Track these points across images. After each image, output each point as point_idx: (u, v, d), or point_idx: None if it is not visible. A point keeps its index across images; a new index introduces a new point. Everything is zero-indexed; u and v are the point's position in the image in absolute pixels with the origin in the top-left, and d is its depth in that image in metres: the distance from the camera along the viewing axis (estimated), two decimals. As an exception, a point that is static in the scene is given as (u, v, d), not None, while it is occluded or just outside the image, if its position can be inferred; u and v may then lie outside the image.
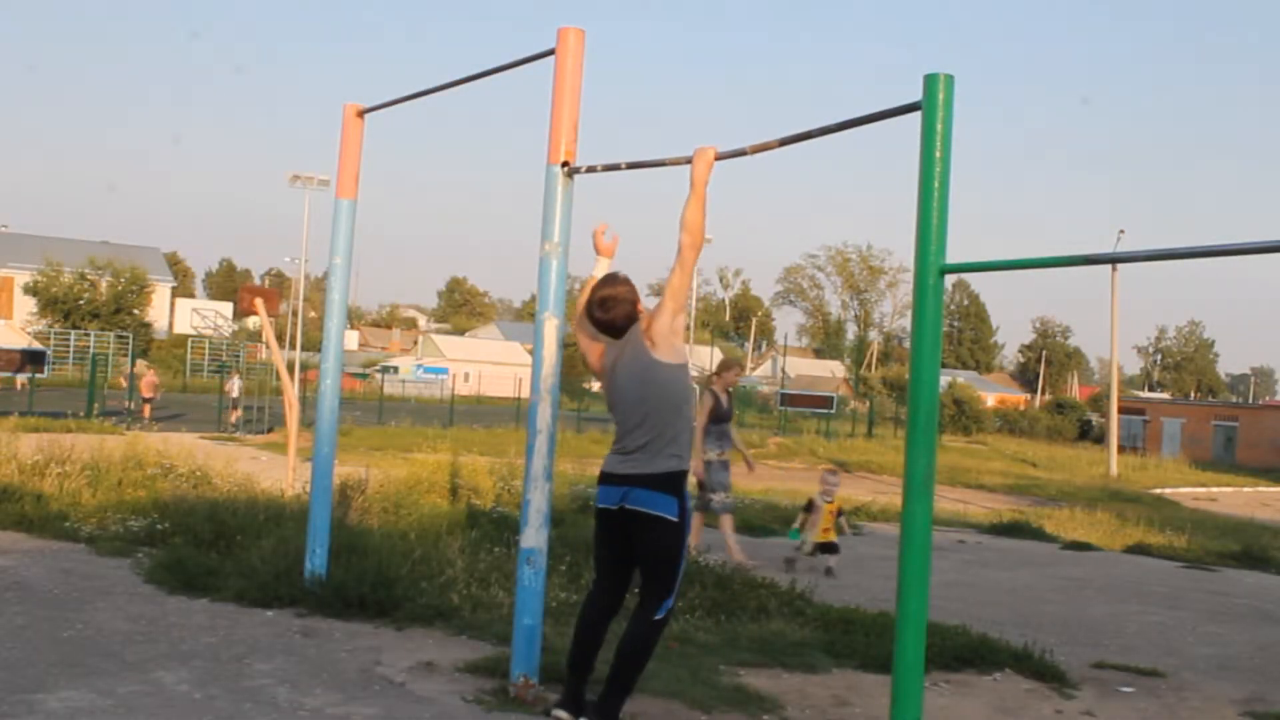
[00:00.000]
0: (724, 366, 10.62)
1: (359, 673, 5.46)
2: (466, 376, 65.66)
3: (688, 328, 48.69)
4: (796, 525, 10.47)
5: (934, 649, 6.00)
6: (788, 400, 46.99)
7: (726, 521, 10.22)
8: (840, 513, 10.42)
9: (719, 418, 10.18)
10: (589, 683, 4.68)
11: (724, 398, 10.32)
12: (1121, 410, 49.28)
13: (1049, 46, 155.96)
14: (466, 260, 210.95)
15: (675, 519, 4.35)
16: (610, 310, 4.59)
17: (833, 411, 46.19)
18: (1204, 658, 7.62)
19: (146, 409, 28.90)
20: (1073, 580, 11.10)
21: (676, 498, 4.36)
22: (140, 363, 32.48)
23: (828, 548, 10.11)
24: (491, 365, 71.06)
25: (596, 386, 71.04)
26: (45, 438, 12.43)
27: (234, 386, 30.87)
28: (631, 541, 4.44)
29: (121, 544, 8.38)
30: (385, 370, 63.07)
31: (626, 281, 4.69)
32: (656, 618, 4.43)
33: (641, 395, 4.46)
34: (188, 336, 53.22)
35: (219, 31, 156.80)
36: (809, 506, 10.41)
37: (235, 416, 29.72)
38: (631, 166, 5.15)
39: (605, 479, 4.51)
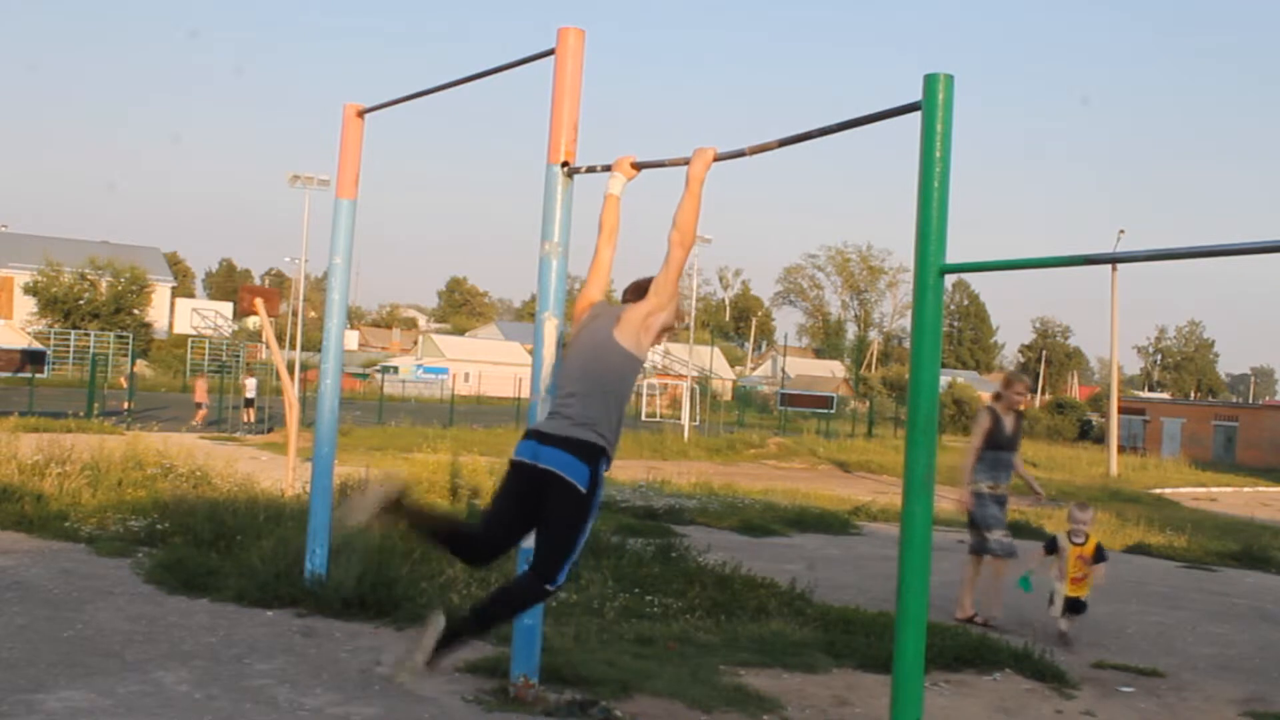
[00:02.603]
0: (1007, 383, 8.61)
1: (359, 673, 5.46)
2: (466, 376, 65.65)
3: (687, 328, 48.89)
4: (1031, 570, 8.00)
5: (934, 649, 6.01)
6: (788, 400, 47.00)
7: (998, 567, 8.38)
8: (1100, 555, 7.98)
9: (996, 443, 8.35)
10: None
11: (1007, 420, 8.43)
12: (1121, 410, 49.29)
13: (1049, 46, 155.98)
14: (466, 260, 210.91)
15: (583, 489, 4.11)
16: (643, 285, 4.49)
17: (833, 411, 46.20)
18: (1204, 658, 7.63)
19: (202, 414, 29.19)
20: (1073, 580, 11.09)
21: (589, 468, 4.13)
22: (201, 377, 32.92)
23: (1074, 605, 7.79)
24: (491, 365, 71.05)
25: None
26: (45, 438, 12.43)
27: (250, 386, 30.92)
28: (535, 501, 4.21)
29: (121, 544, 8.37)
30: (385, 370, 63.08)
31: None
32: (548, 586, 4.16)
33: (585, 369, 4.32)
34: (188, 336, 53.17)
35: (219, 31, 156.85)
36: (1051, 546, 8.04)
37: (249, 416, 29.70)
38: (632, 167, 5.15)
39: (528, 434, 4.32)
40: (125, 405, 29.11)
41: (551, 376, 5.26)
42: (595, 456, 4.16)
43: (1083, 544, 7.87)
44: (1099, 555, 7.93)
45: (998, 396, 8.57)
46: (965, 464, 8.35)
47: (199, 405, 29.69)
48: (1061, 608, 7.76)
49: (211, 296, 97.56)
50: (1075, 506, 8.27)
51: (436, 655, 4.07)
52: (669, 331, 4.55)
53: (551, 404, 4.41)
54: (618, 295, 4.88)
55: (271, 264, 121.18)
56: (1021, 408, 8.57)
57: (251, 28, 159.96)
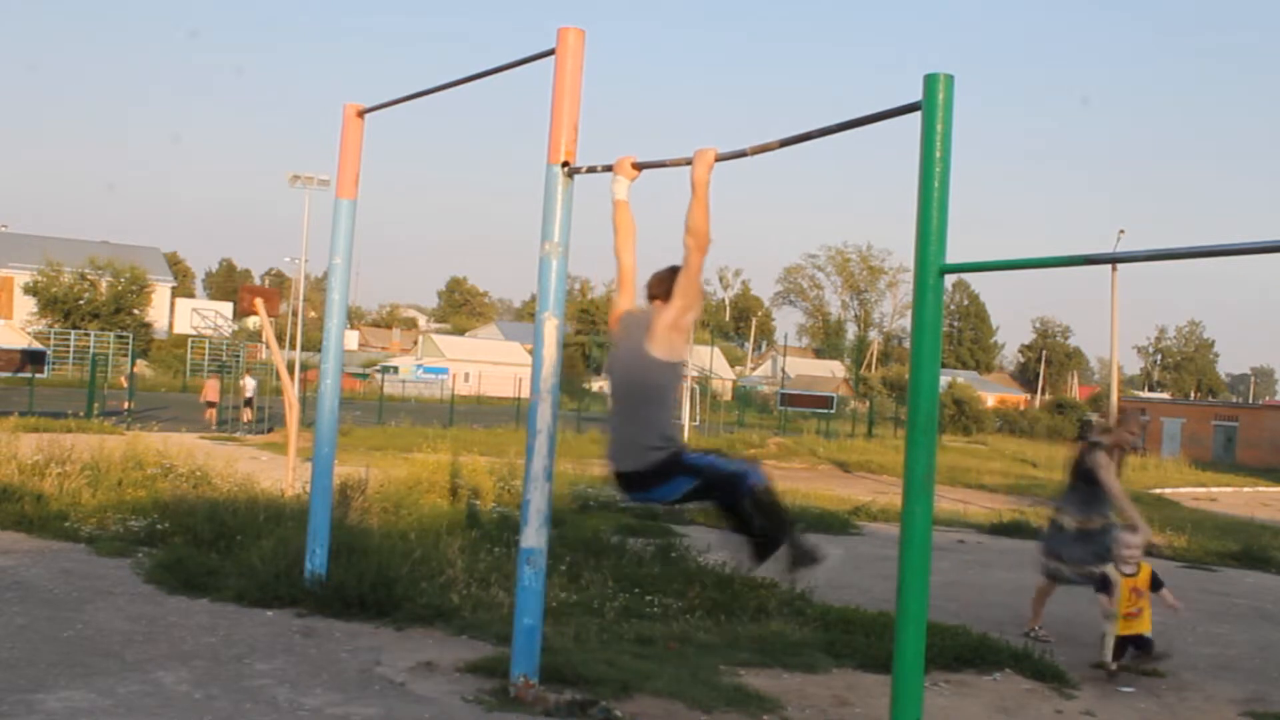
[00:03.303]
0: (1122, 419, 7.96)
1: (359, 673, 5.46)
2: (466, 376, 65.62)
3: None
4: (1107, 608, 6.93)
5: (934, 649, 6.01)
6: (788, 400, 46.99)
7: (1046, 589, 7.96)
8: (1157, 583, 7.01)
9: (1093, 478, 7.72)
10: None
11: (1114, 456, 7.71)
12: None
13: (1049, 46, 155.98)
14: (466, 260, 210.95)
15: (696, 481, 4.55)
16: (664, 277, 4.66)
17: (833, 411, 46.19)
18: (1204, 658, 7.63)
19: (213, 414, 29.28)
20: (1073, 580, 11.10)
21: (680, 476, 4.54)
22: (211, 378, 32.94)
23: (1138, 642, 6.83)
24: (491, 365, 71.03)
25: (597, 387, 71.05)
26: (45, 438, 12.43)
27: (249, 386, 30.97)
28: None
29: (121, 544, 8.37)
30: (385, 370, 63.05)
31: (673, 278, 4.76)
32: (753, 484, 4.67)
33: (630, 389, 4.61)
34: (188, 336, 53.12)
35: (219, 31, 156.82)
36: (1103, 585, 6.92)
37: (248, 416, 29.73)
38: (633, 167, 5.15)
39: (616, 479, 4.69)
40: (125, 405, 29.09)
41: (553, 376, 5.27)
42: (672, 466, 4.53)
43: (1134, 574, 6.85)
44: (1156, 583, 6.96)
45: (1106, 430, 7.86)
46: (1125, 506, 7.43)
47: (210, 404, 29.66)
48: (1112, 651, 6.77)
49: (211, 296, 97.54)
50: (1125, 531, 7.08)
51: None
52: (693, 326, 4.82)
53: (610, 426, 4.72)
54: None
55: (271, 264, 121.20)
56: (1131, 446, 7.70)
57: (251, 28, 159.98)
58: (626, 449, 4.53)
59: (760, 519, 4.83)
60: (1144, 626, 6.84)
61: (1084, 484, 7.76)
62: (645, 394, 4.54)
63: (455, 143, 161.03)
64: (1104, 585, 6.90)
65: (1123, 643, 6.79)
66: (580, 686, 5.37)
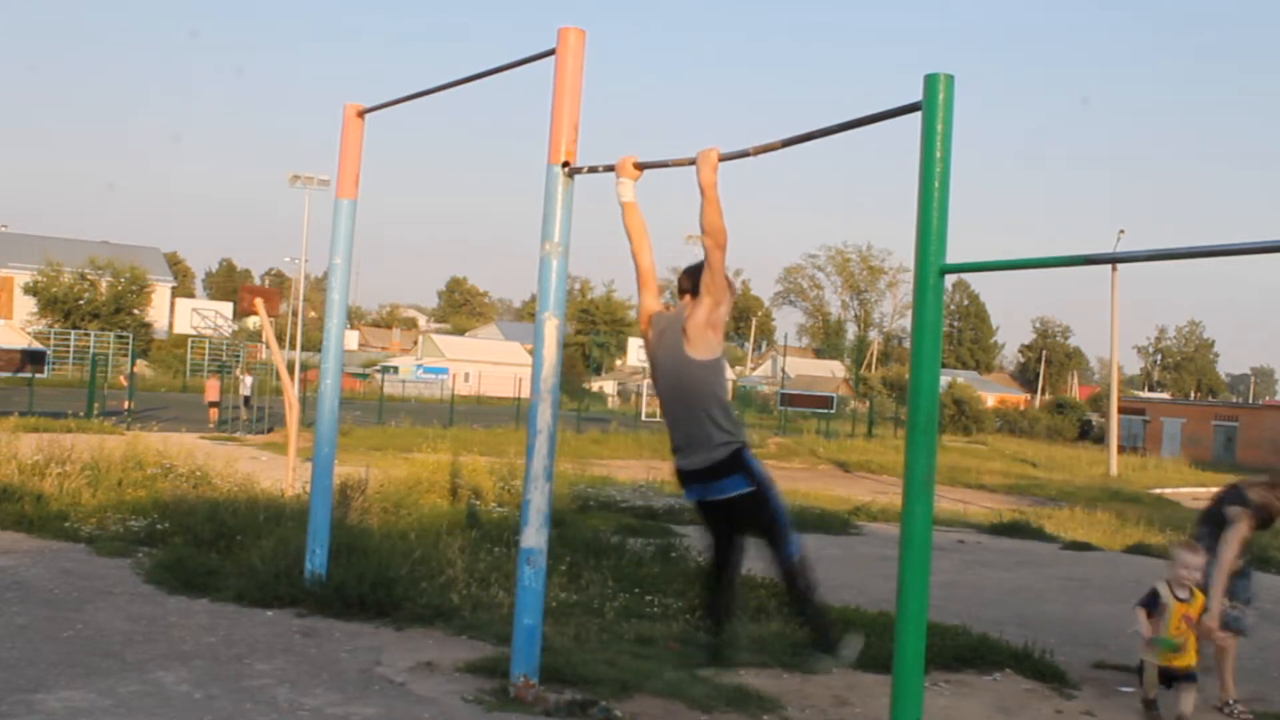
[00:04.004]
0: (1274, 484, 6.65)
1: (359, 673, 5.46)
2: (466, 376, 65.62)
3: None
4: (1142, 632, 6.06)
5: (934, 649, 6.01)
6: (788, 400, 46.99)
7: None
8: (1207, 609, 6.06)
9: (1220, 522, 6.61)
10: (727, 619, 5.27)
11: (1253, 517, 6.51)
12: (1121, 410, 49.28)
13: (1049, 46, 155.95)
14: (466, 260, 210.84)
15: (751, 489, 4.67)
16: (693, 271, 4.79)
17: (833, 411, 46.18)
18: (1204, 657, 7.61)
19: (214, 413, 29.48)
20: (1073, 580, 11.10)
21: (742, 473, 4.66)
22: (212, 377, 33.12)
23: (1183, 676, 5.98)
24: (491, 365, 71.02)
25: (597, 387, 71.04)
26: (45, 438, 12.42)
27: (245, 384, 31.11)
28: (730, 521, 4.88)
29: (121, 544, 8.37)
30: (385, 370, 63.05)
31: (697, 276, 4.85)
32: (791, 554, 4.85)
33: (679, 393, 4.74)
34: (188, 336, 53.07)
35: (219, 31, 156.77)
36: (1151, 603, 6.03)
37: (245, 415, 29.82)
38: (634, 167, 5.15)
39: (682, 476, 4.83)
40: (125, 405, 29.10)
41: (553, 376, 5.26)
42: (738, 459, 4.65)
43: (1189, 600, 5.95)
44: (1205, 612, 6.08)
45: (1263, 486, 6.63)
46: (1217, 581, 6.25)
47: (213, 404, 29.79)
48: (1154, 683, 5.95)
49: (211, 296, 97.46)
50: (1183, 549, 6.19)
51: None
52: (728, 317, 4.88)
53: (671, 434, 4.83)
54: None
55: (271, 264, 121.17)
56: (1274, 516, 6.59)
57: (251, 28, 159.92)
58: (695, 447, 4.66)
59: (796, 602, 5.05)
60: (1190, 659, 5.98)
61: (1217, 528, 6.64)
62: (697, 394, 4.65)
63: (455, 143, 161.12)
64: (1150, 602, 5.98)
65: (1166, 675, 5.96)
66: (580, 686, 5.37)
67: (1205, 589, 6.08)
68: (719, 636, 5.21)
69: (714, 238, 4.56)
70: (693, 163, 4.60)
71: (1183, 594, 5.97)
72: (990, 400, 78.47)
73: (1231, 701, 6.36)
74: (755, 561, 9.64)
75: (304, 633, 6.21)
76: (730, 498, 4.68)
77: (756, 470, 4.74)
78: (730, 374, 79.45)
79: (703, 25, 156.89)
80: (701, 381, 4.68)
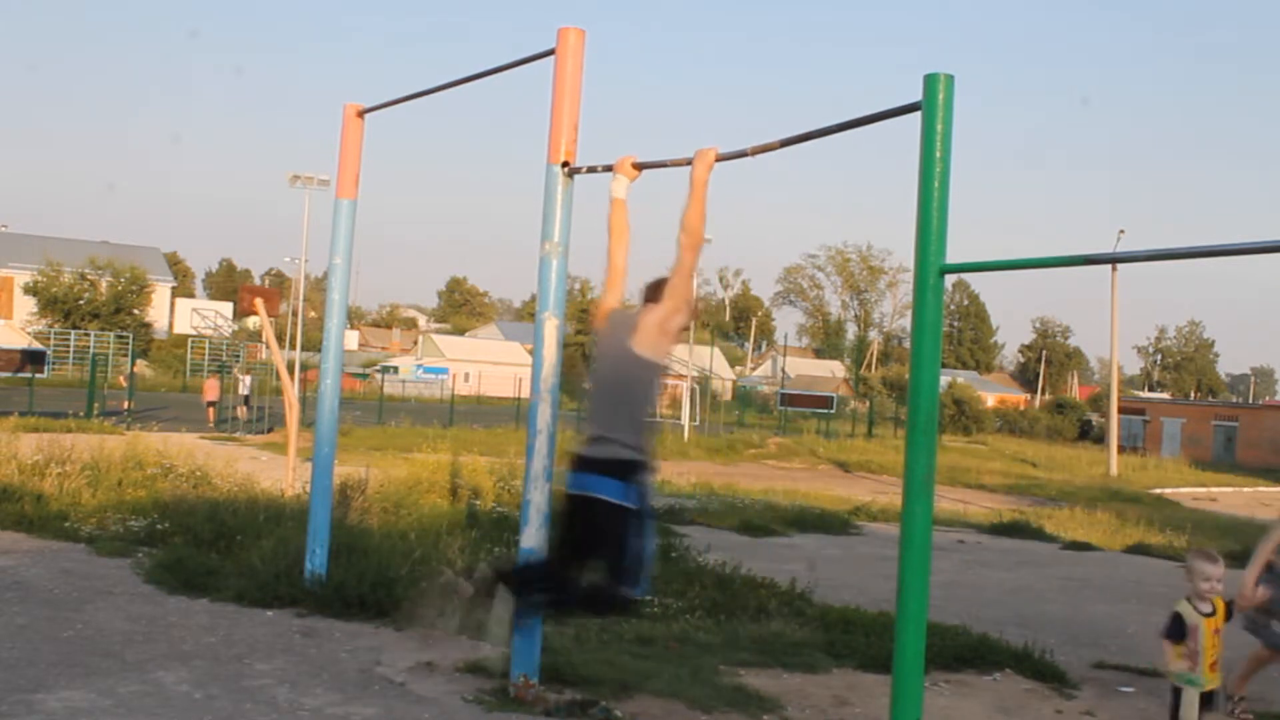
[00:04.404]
0: None
1: (359, 673, 5.46)
2: (466, 376, 65.60)
3: (687, 328, 48.68)
4: (1174, 662, 5.19)
5: (934, 649, 6.01)
6: (788, 400, 46.99)
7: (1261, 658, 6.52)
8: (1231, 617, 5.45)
9: None
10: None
11: None
12: (1121, 410, 49.29)
13: (1049, 46, 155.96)
14: (466, 260, 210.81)
15: (630, 505, 4.24)
16: (659, 284, 4.56)
17: (833, 411, 46.19)
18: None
19: (213, 412, 29.60)
20: (1073, 580, 11.11)
21: (629, 485, 4.26)
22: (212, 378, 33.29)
23: (1207, 700, 5.24)
24: (491, 365, 71.01)
25: (596, 386, 71.02)
26: (45, 438, 12.43)
27: (243, 384, 31.24)
28: (589, 524, 4.36)
29: (121, 544, 8.37)
30: (385, 370, 63.03)
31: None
32: (625, 591, 4.28)
33: (610, 385, 4.49)
34: (188, 336, 53.12)
35: (219, 31, 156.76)
36: (1177, 629, 5.20)
37: (242, 413, 29.94)
38: (633, 167, 5.15)
39: (572, 462, 4.46)
40: (126, 405, 29.12)
41: (553, 376, 5.27)
42: (633, 471, 4.31)
43: (1213, 613, 5.25)
44: (1230, 618, 5.48)
45: None
46: (1256, 562, 6.06)
47: (211, 404, 29.90)
48: (1197, 709, 5.20)
49: (211, 296, 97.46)
50: (1201, 558, 5.42)
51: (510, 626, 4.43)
52: (684, 330, 4.62)
53: (585, 420, 4.56)
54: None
55: (271, 264, 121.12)
56: None
57: (251, 28, 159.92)
58: (602, 439, 4.35)
59: (578, 601, 4.56)
60: (1218, 681, 5.31)
61: None
62: (628, 391, 4.41)
63: (455, 143, 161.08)
64: (1175, 631, 5.20)
65: (1209, 699, 5.25)
66: (580, 686, 5.37)
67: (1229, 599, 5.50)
68: (505, 605, 4.53)
69: (691, 236, 4.43)
70: (690, 162, 4.59)
71: (1206, 608, 5.29)
72: (990, 400, 78.48)
73: (1237, 699, 6.24)
74: (755, 561, 9.65)
75: (304, 633, 6.21)
76: (597, 497, 4.25)
77: (644, 498, 4.33)
78: (730, 374, 79.51)
79: (703, 25, 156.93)
80: (636, 379, 4.42)
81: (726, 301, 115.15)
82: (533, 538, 5.17)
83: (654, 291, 4.55)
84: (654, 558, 4.47)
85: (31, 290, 51.81)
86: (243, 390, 31.03)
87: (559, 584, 4.55)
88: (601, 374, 4.56)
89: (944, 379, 61.79)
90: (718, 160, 4.52)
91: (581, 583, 4.47)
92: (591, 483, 4.29)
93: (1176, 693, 5.16)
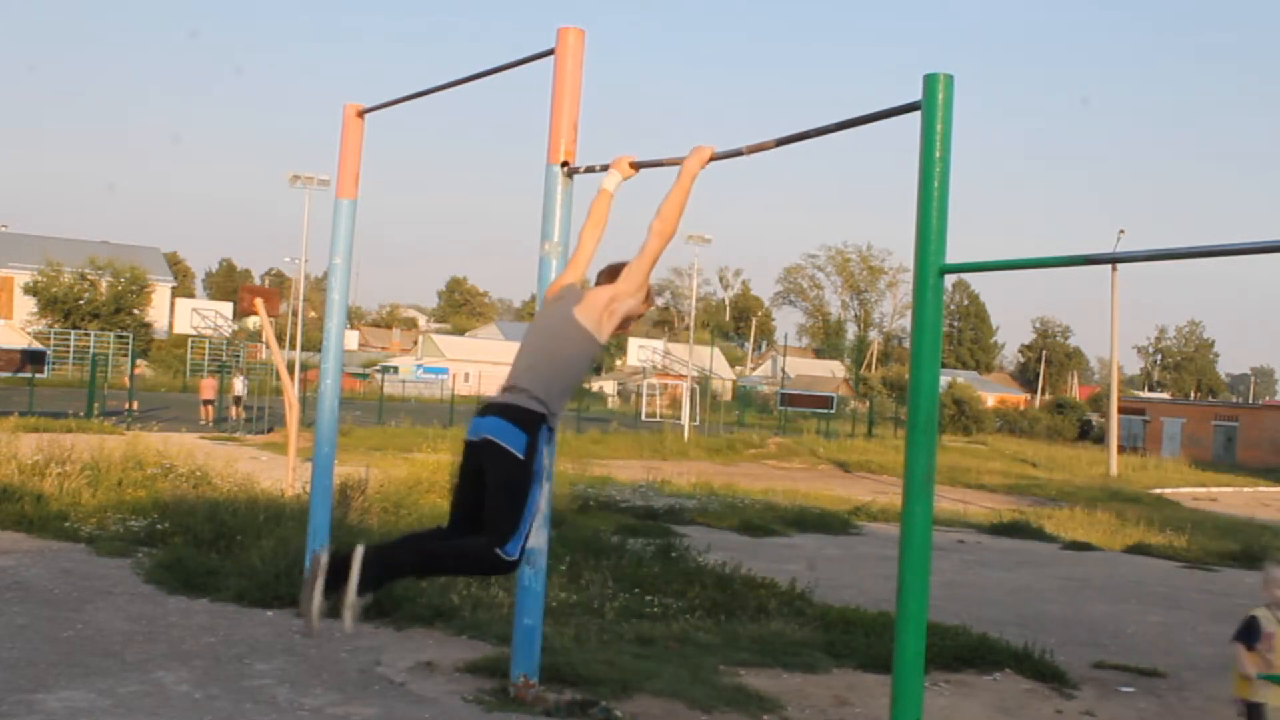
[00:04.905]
0: None
1: (359, 673, 5.46)
2: (467, 376, 65.60)
3: (687, 328, 48.54)
4: (1246, 671, 4.98)
5: (934, 649, 6.00)
6: (788, 400, 46.99)
7: None
8: None
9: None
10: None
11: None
12: (1121, 410, 49.29)
13: (1049, 46, 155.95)
14: (466, 260, 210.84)
15: (520, 455, 4.02)
16: (616, 269, 4.38)
17: (833, 411, 46.18)
18: (1204, 658, 7.62)
19: (208, 410, 29.89)
20: (1073, 580, 11.11)
21: (528, 436, 4.04)
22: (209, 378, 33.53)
23: (1252, 712, 5.01)
24: (491, 365, 70.93)
25: (597, 387, 71.07)
26: (45, 438, 12.43)
27: (238, 384, 31.53)
28: (479, 472, 4.13)
29: (121, 544, 8.38)
30: (385, 370, 63.04)
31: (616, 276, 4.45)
32: (499, 552, 4.00)
33: (538, 343, 4.30)
34: (188, 336, 53.08)
35: (219, 31, 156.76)
36: (1248, 631, 5.05)
37: (237, 414, 30.14)
38: (630, 166, 5.15)
39: (478, 408, 4.25)
40: (129, 405, 29.16)
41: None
42: (533, 423, 4.05)
43: None
44: None
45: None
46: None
47: (207, 403, 30.12)
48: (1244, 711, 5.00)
49: (211, 296, 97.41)
50: (1276, 566, 5.19)
51: (361, 590, 3.85)
52: (634, 320, 4.44)
53: (509, 372, 4.30)
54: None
55: (271, 264, 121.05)
56: None
57: (251, 28, 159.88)
58: (512, 387, 4.14)
59: (444, 557, 4.17)
60: None
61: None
62: (552, 351, 4.21)
63: (455, 143, 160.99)
64: (1248, 634, 5.00)
65: (1247, 710, 5.03)
66: (580, 686, 5.37)
67: None
68: (361, 572, 3.94)
69: (664, 224, 4.32)
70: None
71: None
72: (990, 400, 78.46)
73: None
74: (755, 561, 9.65)
75: (304, 633, 6.21)
76: (491, 440, 4.00)
77: (540, 451, 4.08)
78: (730, 374, 79.53)
79: (703, 25, 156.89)
80: (566, 343, 4.22)
81: (726, 301, 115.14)
82: (533, 538, 5.16)
83: (608, 274, 4.38)
84: (534, 523, 4.13)
85: (31, 290, 51.82)
86: (237, 391, 31.36)
87: (434, 545, 4.23)
88: (532, 333, 4.36)
89: (944, 379, 61.80)
90: (713, 159, 4.52)
91: (457, 540, 4.16)
92: (489, 425, 4.06)
93: (1252, 708, 4.94)
